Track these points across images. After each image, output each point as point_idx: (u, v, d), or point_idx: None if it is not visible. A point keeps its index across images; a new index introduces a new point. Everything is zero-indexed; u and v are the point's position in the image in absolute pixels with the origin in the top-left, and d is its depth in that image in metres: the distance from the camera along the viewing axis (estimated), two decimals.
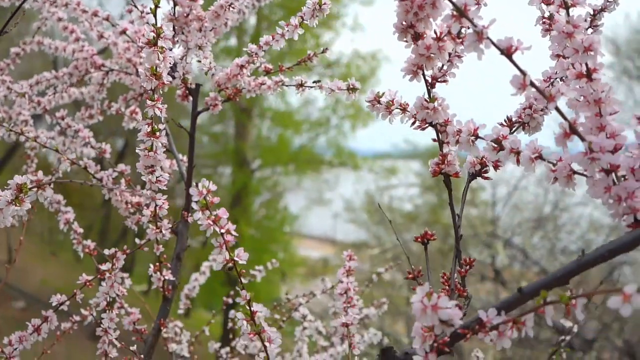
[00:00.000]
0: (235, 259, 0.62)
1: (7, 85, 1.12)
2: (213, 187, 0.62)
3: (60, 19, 1.20)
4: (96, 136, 1.20)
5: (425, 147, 11.41)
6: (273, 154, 11.41)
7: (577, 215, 7.34)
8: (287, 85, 0.96)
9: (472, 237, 6.41)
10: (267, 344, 0.64)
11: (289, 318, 1.31)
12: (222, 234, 0.62)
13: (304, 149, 11.73)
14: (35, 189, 0.65)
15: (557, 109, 0.51)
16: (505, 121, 0.68)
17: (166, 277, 0.97)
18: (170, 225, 0.90)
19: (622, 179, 0.52)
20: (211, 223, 0.61)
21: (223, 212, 0.62)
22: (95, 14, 1.09)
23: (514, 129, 0.68)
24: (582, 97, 0.53)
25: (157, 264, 0.96)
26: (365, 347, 1.32)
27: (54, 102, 1.28)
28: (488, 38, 0.49)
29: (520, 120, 0.68)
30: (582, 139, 0.51)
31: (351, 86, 0.84)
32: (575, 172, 0.54)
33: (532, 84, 0.50)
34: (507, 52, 0.50)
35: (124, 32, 1.05)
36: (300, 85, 0.95)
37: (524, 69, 0.50)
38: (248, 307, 0.64)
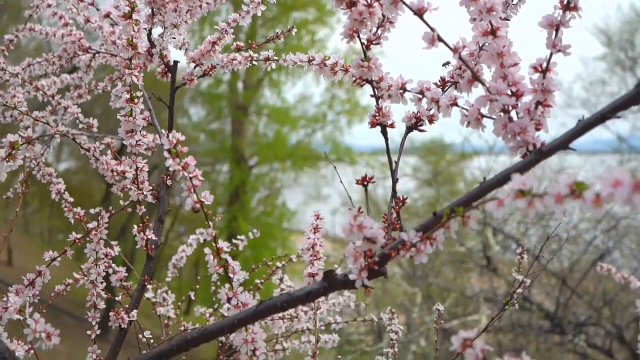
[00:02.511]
0: (202, 199, 0.72)
1: (1, 66, 1.21)
2: (182, 138, 0.71)
3: (49, 5, 1.29)
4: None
5: (421, 142, 11.54)
6: (270, 150, 11.50)
7: (571, 205, 7.44)
8: (255, 60, 1.06)
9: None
10: (231, 275, 0.74)
11: (268, 279, 1.41)
12: (190, 178, 0.71)
13: (300, 145, 11.83)
14: (25, 145, 0.75)
15: (460, 58, 0.60)
16: (439, 80, 0.78)
17: (149, 237, 1.07)
18: (150, 187, 1.00)
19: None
20: (181, 169, 0.71)
21: (191, 160, 0.71)
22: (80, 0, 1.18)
23: (447, 87, 0.77)
24: (488, 52, 0.63)
25: (141, 224, 1.06)
26: (340, 308, 1.42)
27: (46, 85, 1.38)
28: (402, 1, 0.59)
29: (452, 80, 0.77)
30: (483, 84, 0.61)
31: (310, 58, 0.93)
32: (483, 116, 0.63)
33: (440, 39, 0.60)
34: (419, 12, 0.60)
35: (107, 15, 1.14)
36: (267, 59, 1.04)
37: (433, 26, 0.60)
38: (214, 244, 0.74)
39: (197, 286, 1.51)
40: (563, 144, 0.57)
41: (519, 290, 1.19)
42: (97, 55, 1.29)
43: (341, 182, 1.04)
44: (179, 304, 1.42)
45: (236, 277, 0.74)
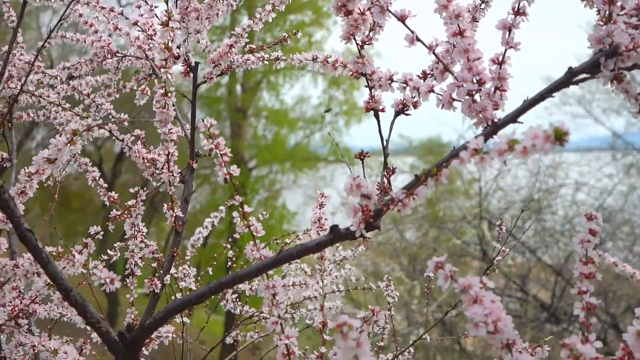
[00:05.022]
0: (231, 172, 0.89)
1: (42, 70, 1.38)
2: (214, 122, 0.88)
3: (81, 15, 1.46)
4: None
5: (419, 142, 11.70)
6: (269, 152, 11.67)
7: (566, 199, 7.65)
8: (267, 60, 1.23)
9: (460, 220, 6.71)
10: (254, 233, 0.91)
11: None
12: (221, 155, 0.88)
13: (299, 147, 12.00)
14: (86, 132, 0.92)
15: (434, 54, 0.78)
16: (421, 73, 0.95)
17: (177, 215, 1.24)
18: (179, 170, 1.17)
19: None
20: (214, 147, 0.88)
21: (222, 140, 0.88)
22: (112, 10, 1.35)
23: (428, 78, 0.94)
24: (457, 49, 0.80)
25: (170, 203, 1.23)
26: (342, 281, 1.59)
27: (76, 85, 1.55)
28: (388, 10, 0.76)
29: (431, 72, 0.94)
30: (452, 74, 0.78)
31: (314, 57, 1.10)
32: (453, 99, 0.80)
33: (418, 39, 0.77)
34: (402, 18, 0.77)
35: (135, 23, 1.31)
36: (277, 59, 1.22)
37: (412, 29, 0.77)
38: (241, 208, 0.91)
39: (214, 262, 1.67)
40: (512, 119, 0.74)
41: (498, 258, 1.35)
42: (124, 58, 1.46)
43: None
44: (199, 278, 1.59)
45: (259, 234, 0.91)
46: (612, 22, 0.70)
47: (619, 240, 6.97)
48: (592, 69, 0.70)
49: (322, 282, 1.17)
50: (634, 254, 6.79)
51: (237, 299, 1.66)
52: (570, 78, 0.71)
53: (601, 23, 0.70)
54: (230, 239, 1.71)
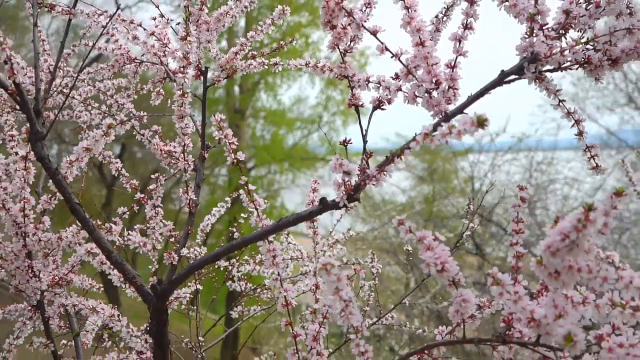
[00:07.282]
0: (237, 157, 1.09)
1: (70, 73, 1.58)
2: (223, 117, 1.08)
3: (103, 27, 1.66)
4: None
5: None
6: (267, 152, 11.86)
7: (556, 194, 7.88)
8: (267, 65, 1.44)
9: (454, 216, 6.92)
10: (258, 207, 1.11)
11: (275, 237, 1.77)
12: (229, 143, 1.09)
13: (297, 147, 12.20)
14: (119, 125, 1.12)
15: (399, 60, 0.98)
16: (394, 75, 1.15)
17: (191, 197, 1.44)
18: (193, 159, 1.38)
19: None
20: (223, 137, 1.08)
21: (230, 131, 1.09)
22: (131, 22, 1.56)
23: (399, 79, 1.15)
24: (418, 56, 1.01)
25: (185, 188, 1.43)
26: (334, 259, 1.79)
27: (103, 87, 1.75)
28: (363, 26, 0.97)
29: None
30: (414, 76, 0.99)
31: (307, 63, 1.31)
32: (416, 96, 1.01)
33: (386, 49, 0.97)
34: (374, 33, 0.97)
35: (152, 33, 1.52)
36: (276, 64, 1.42)
37: (382, 41, 0.97)
38: (246, 187, 1.11)
39: (222, 244, 1.87)
40: (459, 111, 0.94)
41: (467, 233, 1.56)
42: (141, 64, 1.67)
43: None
44: None
45: (260, 208, 1.11)
46: (533, 35, 0.90)
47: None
48: (518, 71, 0.91)
49: (315, 251, 1.38)
50: (621, 245, 7.03)
51: (242, 277, 1.86)
52: (502, 78, 0.92)
53: (525, 36, 0.91)
54: (235, 225, 1.92)
